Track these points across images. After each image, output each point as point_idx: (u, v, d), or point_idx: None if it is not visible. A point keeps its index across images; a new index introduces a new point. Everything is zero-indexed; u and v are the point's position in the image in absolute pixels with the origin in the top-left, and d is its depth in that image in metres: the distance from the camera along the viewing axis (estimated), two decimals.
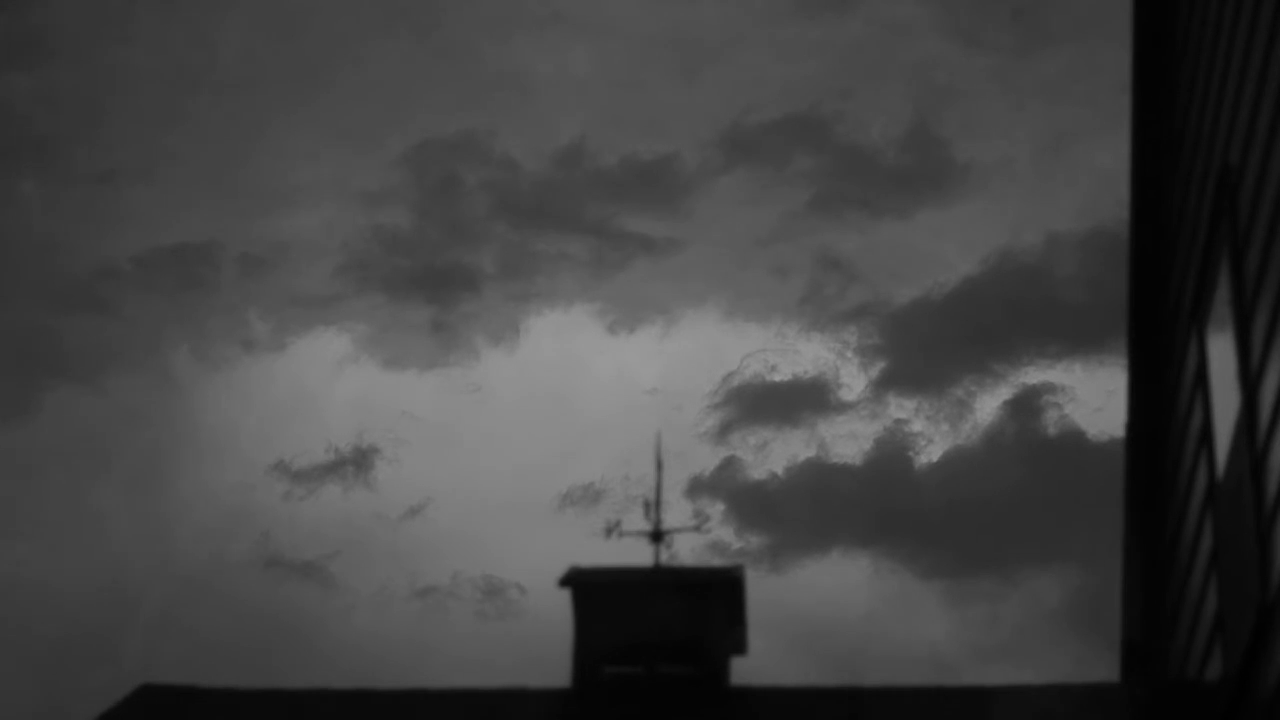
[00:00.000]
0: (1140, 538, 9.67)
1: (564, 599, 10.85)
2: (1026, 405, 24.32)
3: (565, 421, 24.56)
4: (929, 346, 24.75)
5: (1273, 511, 6.69)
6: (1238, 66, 7.50)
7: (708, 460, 23.74)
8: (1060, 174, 25.53)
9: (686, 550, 11.22)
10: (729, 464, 24.04)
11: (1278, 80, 6.67)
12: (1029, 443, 24.15)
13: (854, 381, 24.76)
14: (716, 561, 11.78)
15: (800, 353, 24.88)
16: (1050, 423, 24.31)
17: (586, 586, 10.76)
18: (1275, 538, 6.65)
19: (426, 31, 25.17)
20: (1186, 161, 8.82)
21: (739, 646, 10.88)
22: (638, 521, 11.09)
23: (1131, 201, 9.56)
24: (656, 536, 11.02)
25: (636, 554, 11.11)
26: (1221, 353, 7.69)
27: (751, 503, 23.83)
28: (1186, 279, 8.71)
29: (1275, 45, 6.72)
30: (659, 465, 11.23)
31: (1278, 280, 6.62)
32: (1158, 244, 9.43)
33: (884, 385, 24.72)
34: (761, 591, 18.63)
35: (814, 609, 22.67)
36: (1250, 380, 7.10)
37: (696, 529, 11.12)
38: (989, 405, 25.67)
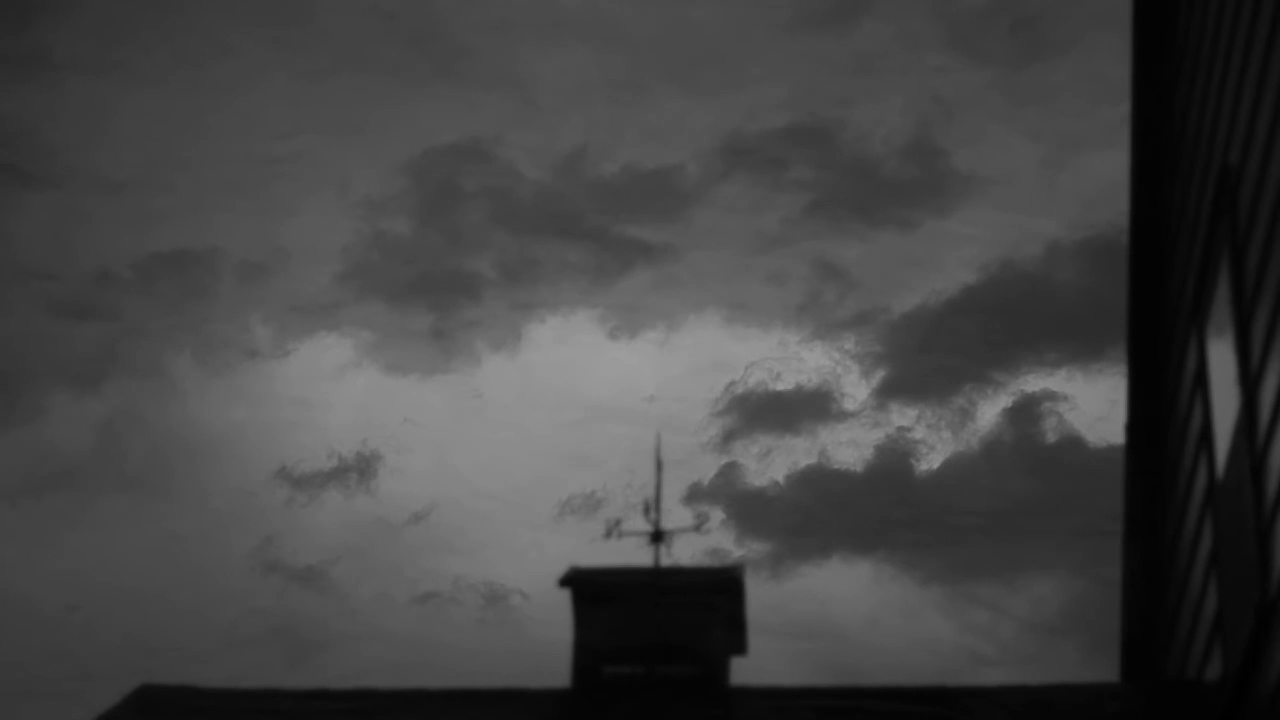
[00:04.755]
0: (1140, 538, 9.70)
1: (564, 601, 10.87)
2: (1026, 413, 24.37)
3: (567, 428, 24.58)
4: (929, 355, 24.79)
5: (1272, 512, 6.71)
6: (1237, 67, 7.52)
7: (709, 468, 23.78)
8: (1061, 183, 25.55)
9: (686, 557, 11.23)
10: (730, 471, 24.08)
11: (1278, 80, 6.70)
12: (1029, 450, 24.20)
13: (855, 389, 24.80)
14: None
15: (802, 360, 24.92)
16: (1050, 430, 24.37)
17: (586, 586, 10.76)
18: (1275, 538, 6.67)
19: (428, 38, 25.22)
20: (1186, 162, 8.85)
21: (739, 646, 10.89)
22: (638, 524, 11.12)
23: (1131, 201, 9.59)
24: (657, 537, 11.02)
25: (637, 558, 11.15)
26: (1221, 353, 7.71)
27: (752, 510, 23.87)
28: (1186, 279, 8.73)
29: (1275, 46, 6.74)
30: (659, 465, 11.24)
31: (1277, 281, 6.64)
32: (1157, 244, 9.45)
33: (884, 393, 24.76)
34: (762, 598, 18.66)
35: (814, 616, 22.69)
36: (1250, 381, 7.12)
37: (696, 529, 11.13)
38: (989, 413, 25.69)
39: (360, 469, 24.09)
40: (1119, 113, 9.80)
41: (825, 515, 23.94)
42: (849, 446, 24.65)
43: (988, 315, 24.31)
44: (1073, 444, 23.99)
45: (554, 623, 11.09)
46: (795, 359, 24.91)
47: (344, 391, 24.97)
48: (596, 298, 25.01)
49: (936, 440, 24.68)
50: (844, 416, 24.72)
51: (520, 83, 25.21)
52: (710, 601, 10.75)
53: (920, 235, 25.33)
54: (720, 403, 24.17)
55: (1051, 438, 24.32)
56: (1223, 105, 7.87)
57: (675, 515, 11.32)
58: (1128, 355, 9.73)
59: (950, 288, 24.78)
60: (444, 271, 25.04)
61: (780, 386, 24.64)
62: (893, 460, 24.38)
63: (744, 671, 10.90)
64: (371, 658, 21.19)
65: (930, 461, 24.68)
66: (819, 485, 24.23)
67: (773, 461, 24.54)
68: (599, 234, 24.79)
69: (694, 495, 22.23)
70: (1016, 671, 25.49)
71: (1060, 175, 25.52)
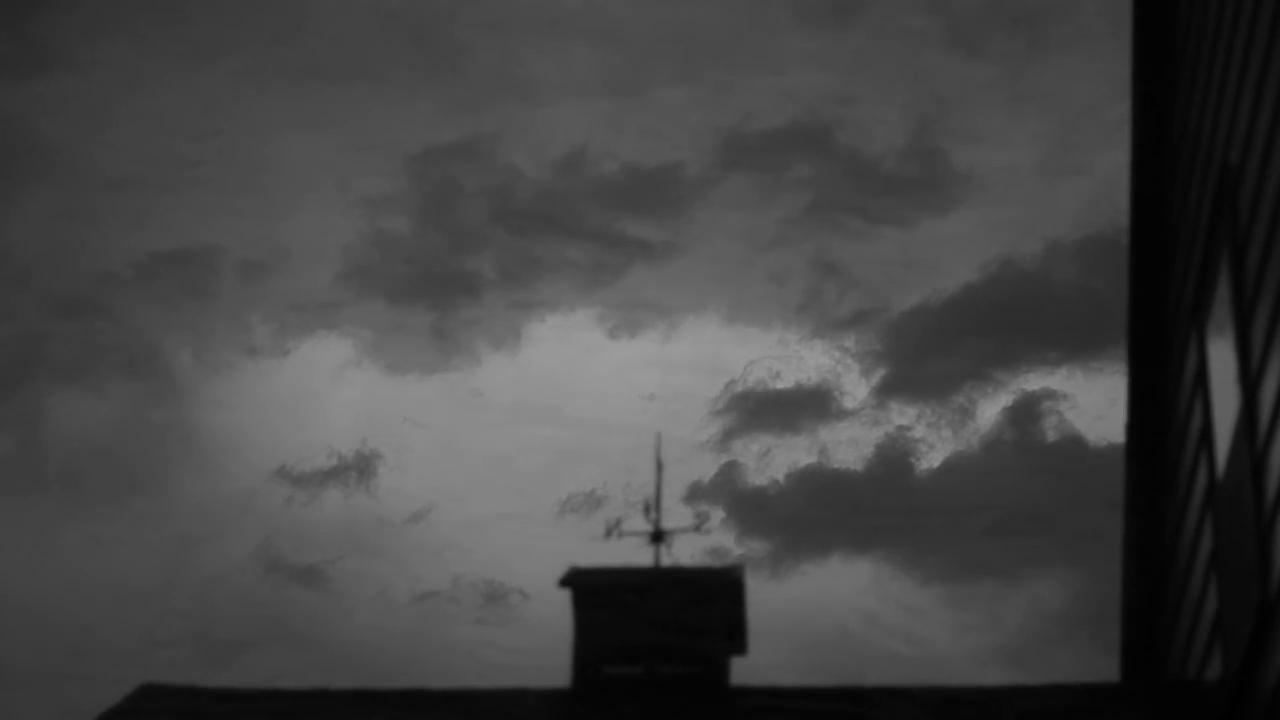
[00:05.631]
0: (1140, 538, 9.70)
1: (564, 600, 10.87)
2: (1027, 411, 24.37)
3: (566, 427, 24.57)
4: (929, 353, 24.79)
5: (1272, 512, 6.71)
6: (1238, 67, 7.52)
7: (708, 467, 23.78)
8: (1061, 182, 25.54)
9: (686, 556, 11.23)
10: (730, 470, 24.09)
11: (1278, 80, 6.70)
12: (1029, 448, 24.21)
13: (855, 388, 24.80)
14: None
15: (802, 359, 24.92)
16: (1050, 428, 24.37)
17: (586, 586, 10.77)
18: (1275, 538, 6.67)
19: (428, 37, 25.22)
20: (1186, 162, 8.85)
21: (739, 646, 10.90)
22: (638, 523, 11.13)
23: (1131, 202, 9.59)
24: (657, 537, 11.04)
25: (637, 558, 11.16)
26: (1221, 353, 7.71)
27: (752, 508, 23.87)
28: (1186, 280, 8.73)
29: (1275, 46, 6.75)
30: (659, 465, 11.25)
31: (1277, 281, 6.64)
32: (1158, 244, 9.46)
33: (884, 392, 24.76)
34: (762, 597, 18.65)
35: (814, 615, 22.69)
36: (1250, 381, 7.12)
37: (697, 529, 11.14)
38: (989, 412, 25.68)
39: (360, 468, 24.11)
40: (1119, 111, 9.80)
41: (825, 514, 23.96)
42: (849, 445, 24.67)
43: (988, 314, 24.33)
44: (1073, 443, 24.02)
45: (554, 623, 11.10)
46: (795, 358, 24.93)
47: (344, 390, 24.99)
48: (596, 296, 25.03)
49: (936, 439, 24.69)
50: (844, 415, 24.74)
51: (520, 81, 25.22)
52: (710, 601, 10.76)
53: (920, 234, 25.34)
54: (720, 401, 24.18)
55: (1052, 436, 24.34)
56: (1223, 105, 7.87)
57: (675, 514, 11.33)
58: (1128, 355, 9.73)
59: (950, 286, 24.79)
60: (444, 270, 25.06)
61: (780, 385, 24.65)
62: (893, 459, 24.40)
63: (744, 671, 10.91)
64: (371, 656, 21.22)
65: (930, 460, 24.69)
66: (819, 484, 24.25)
67: (773, 460, 24.55)
68: (598, 233, 24.81)
69: (694, 494, 22.23)
70: (1016, 671, 25.52)
71: (1060, 174, 25.53)
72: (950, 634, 23.63)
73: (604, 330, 24.96)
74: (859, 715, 10.08)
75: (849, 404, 24.73)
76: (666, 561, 11.11)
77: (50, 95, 24.26)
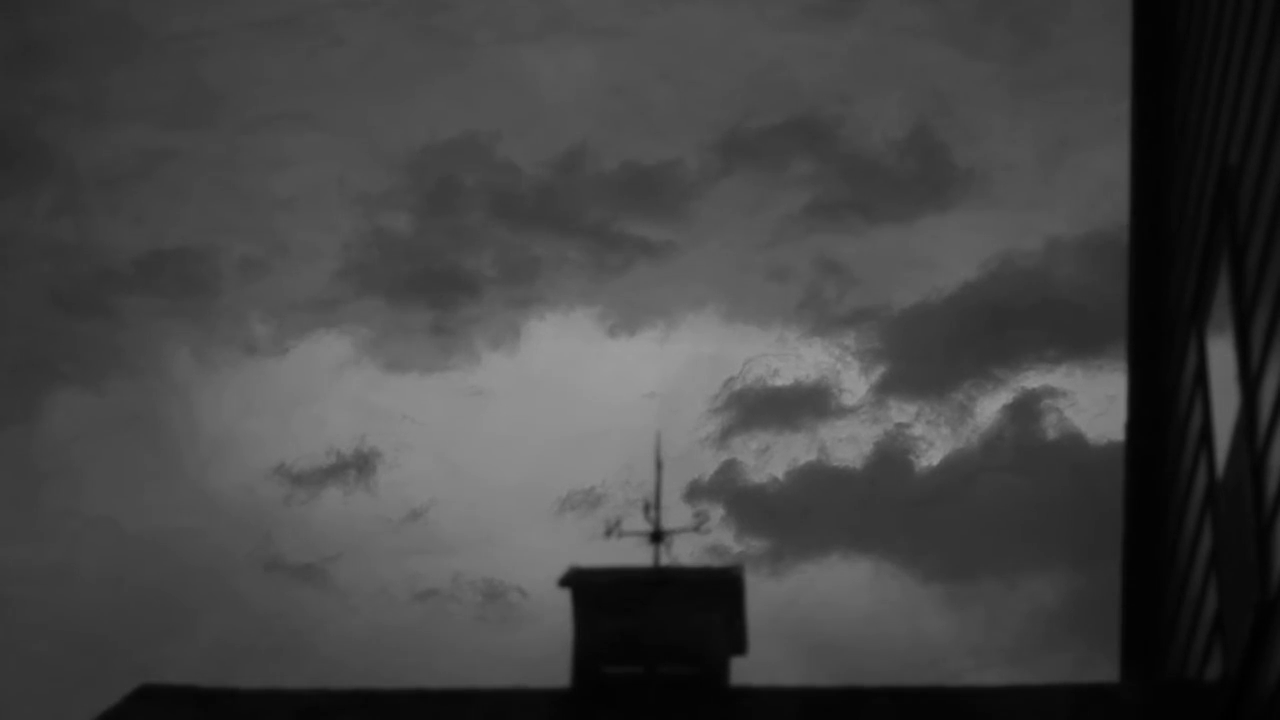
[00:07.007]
0: (1140, 538, 9.70)
1: (564, 600, 10.87)
2: (1026, 409, 24.37)
3: (566, 425, 24.57)
4: (929, 351, 24.80)
5: (1272, 511, 6.71)
6: (1238, 67, 7.52)
7: (708, 464, 23.78)
8: (1061, 179, 25.56)
9: (686, 555, 11.23)
10: (729, 468, 24.09)
11: (1278, 80, 6.70)
12: (1029, 446, 24.21)
13: (854, 386, 24.81)
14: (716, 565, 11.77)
15: (802, 357, 24.93)
16: (1050, 426, 24.37)
17: (586, 586, 10.77)
18: (1275, 538, 6.67)
19: (427, 35, 25.22)
20: (1186, 162, 8.84)
21: (739, 646, 10.90)
22: (638, 523, 11.13)
23: (1131, 201, 9.59)
24: (656, 537, 11.04)
25: (637, 557, 11.16)
26: (1221, 353, 7.71)
27: (751, 506, 23.87)
28: (1186, 279, 8.73)
29: (1275, 45, 6.74)
30: (659, 465, 11.25)
31: (1277, 280, 6.64)
32: (1158, 244, 9.46)
33: (884, 389, 24.76)
34: (761, 596, 18.67)
35: (814, 613, 22.70)
36: (1250, 380, 7.12)
37: (696, 529, 11.14)
38: (989, 409, 25.68)
39: (359, 466, 24.11)
40: (1120, 108, 9.81)
41: (825, 512, 23.98)
42: (848, 443, 24.66)
43: (987, 311, 24.33)
44: (1073, 441, 24.02)
45: (553, 620, 11.10)
46: (794, 355, 24.94)
47: (343, 388, 24.99)
48: (596, 294, 25.03)
49: (936, 437, 24.70)
50: (843, 413, 24.74)
51: (520, 79, 25.23)
52: (710, 601, 10.75)
53: (920, 231, 25.35)
54: (719, 399, 24.19)
55: (1051, 434, 24.34)
56: (1223, 105, 7.87)
57: (675, 512, 11.32)
58: (1128, 354, 9.73)
59: (950, 284, 24.79)
60: (443, 268, 25.06)
61: (779, 383, 24.66)
62: (892, 457, 24.40)
63: (744, 671, 10.91)
64: (371, 656, 21.21)
65: (930, 458, 24.70)
66: (818, 482, 24.26)
67: (772, 458, 24.56)
68: (598, 231, 24.81)
69: (693, 492, 22.24)
70: (1016, 670, 25.52)
71: (1060, 171, 25.54)
72: (950, 634, 23.63)
73: (604, 329, 24.97)
74: (858, 715, 10.08)
75: (848, 401, 24.76)
76: (666, 561, 11.10)
77: (50, 93, 24.30)
